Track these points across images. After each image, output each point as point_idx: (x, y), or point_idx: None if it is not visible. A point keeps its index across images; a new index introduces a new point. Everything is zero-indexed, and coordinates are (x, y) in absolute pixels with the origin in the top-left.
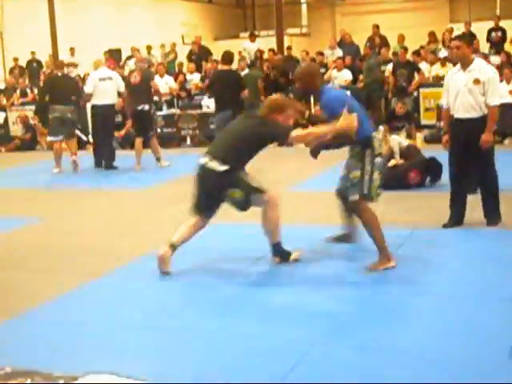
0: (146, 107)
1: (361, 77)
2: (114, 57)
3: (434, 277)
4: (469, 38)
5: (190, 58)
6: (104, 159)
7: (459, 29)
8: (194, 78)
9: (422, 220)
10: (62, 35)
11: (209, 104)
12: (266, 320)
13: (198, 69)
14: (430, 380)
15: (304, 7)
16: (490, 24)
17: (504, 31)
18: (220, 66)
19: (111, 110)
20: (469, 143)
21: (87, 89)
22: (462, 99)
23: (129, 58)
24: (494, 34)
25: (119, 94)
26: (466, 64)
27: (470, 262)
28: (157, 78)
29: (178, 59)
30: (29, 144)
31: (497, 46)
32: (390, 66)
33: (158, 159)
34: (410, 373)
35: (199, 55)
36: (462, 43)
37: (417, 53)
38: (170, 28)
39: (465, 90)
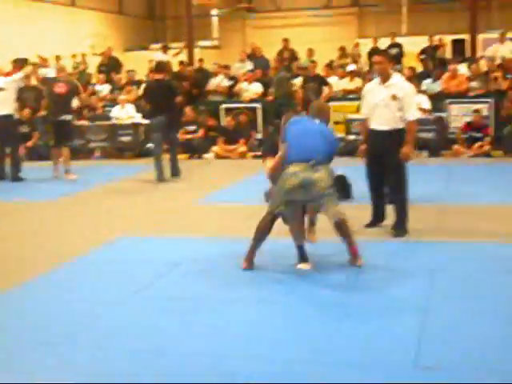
0: (69, 117)
1: (270, 90)
2: (20, 66)
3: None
4: (390, 54)
5: (99, 69)
6: (12, 170)
7: (367, 44)
8: (104, 89)
9: None
10: None
11: (118, 115)
12: None
13: (108, 80)
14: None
15: (215, 20)
16: (400, 40)
17: (400, 47)
18: (151, 76)
19: (9, 121)
20: (383, 154)
21: None
22: (379, 112)
23: (34, 65)
24: (392, 50)
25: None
26: (385, 79)
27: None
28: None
29: (88, 70)
30: None
31: (397, 61)
32: (299, 80)
33: (67, 171)
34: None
35: (109, 66)
36: (384, 59)
37: (329, 66)
38: (79, 38)
39: (382, 104)
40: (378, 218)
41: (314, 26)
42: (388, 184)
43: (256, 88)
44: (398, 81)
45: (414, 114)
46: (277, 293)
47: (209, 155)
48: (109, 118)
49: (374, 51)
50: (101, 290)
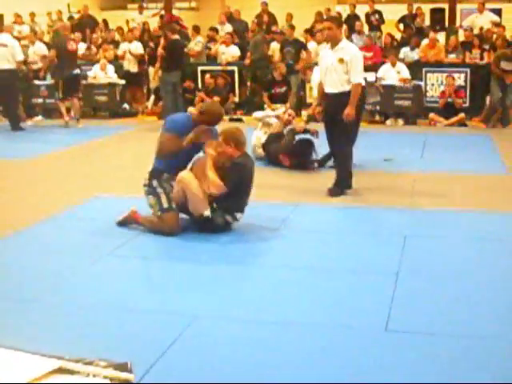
0: (79, 71)
1: (248, 54)
2: None
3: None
4: (339, 19)
5: (75, 28)
6: (11, 121)
7: (345, 10)
8: (80, 48)
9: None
10: None
11: (96, 74)
12: None
13: (84, 38)
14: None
15: None
16: (377, 7)
17: (381, 14)
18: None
19: (11, 75)
20: (333, 115)
21: None
22: (329, 76)
23: (14, 23)
24: (372, 17)
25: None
26: (334, 44)
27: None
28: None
29: None
30: None
31: (375, 28)
32: (276, 44)
33: (78, 120)
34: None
35: (85, 25)
36: (333, 24)
37: (309, 31)
38: None
39: (331, 68)
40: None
41: None
42: (334, 144)
43: (233, 51)
44: (345, 45)
45: (358, 77)
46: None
47: None
48: (85, 78)
49: (351, 17)
50: (74, 249)
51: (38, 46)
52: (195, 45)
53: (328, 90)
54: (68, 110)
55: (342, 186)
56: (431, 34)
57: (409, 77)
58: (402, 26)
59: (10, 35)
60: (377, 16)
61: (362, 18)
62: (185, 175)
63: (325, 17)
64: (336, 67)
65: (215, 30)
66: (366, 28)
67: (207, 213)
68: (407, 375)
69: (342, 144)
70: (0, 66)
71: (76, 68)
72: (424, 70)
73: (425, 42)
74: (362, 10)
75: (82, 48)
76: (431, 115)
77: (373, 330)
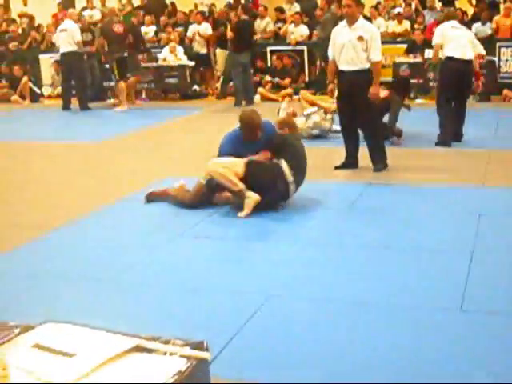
0: (126, 54)
1: (315, 32)
2: (66, 8)
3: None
4: None
5: (145, 11)
6: (79, 100)
7: None
8: (150, 31)
9: None
10: None
11: (166, 56)
12: None
13: (154, 22)
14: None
15: None
16: None
17: None
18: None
19: (74, 57)
20: (351, 93)
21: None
22: (346, 53)
23: (84, 8)
24: None
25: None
26: (352, 22)
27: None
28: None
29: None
30: None
31: (448, 3)
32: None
33: (120, 103)
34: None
35: (155, 8)
36: (353, 2)
37: (375, 7)
38: None
39: (349, 45)
40: (350, 159)
41: None
42: (361, 123)
43: (302, 30)
44: (364, 23)
45: (378, 55)
46: (310, 232)
47: (255, 97)
48: (156, 60)
49: None
50: (147, 229)
51: None
52: (267, 25)
53: (344, 67)
54: (136, 94)
55: (382, 160)
56: (506, 4)
57: (483, 52)
58: (474, 1)
59: (72, 21)
60: None
61: None
62: (209, 165)
63: None
64: (355, 45)
65: (281, 9)
66: (438, 4)
67: (241, 185)
68: (483, 355)
69: (371, 121)
70: (63, 50)
71: (124, 50)
72: (498, 44)
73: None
74: None
75: (151, 30)
76: (505, 91)
77: (448, 309)
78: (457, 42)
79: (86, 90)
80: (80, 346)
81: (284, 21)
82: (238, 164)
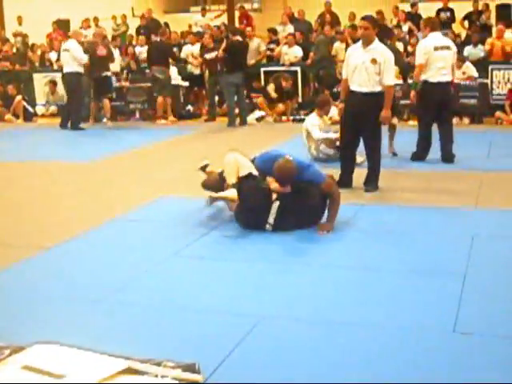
0: (108, 73)
1: (311, 54)
2: (62, 27)
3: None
4: (375, 20)
5: (139, 31)
6: (71, 120)
7: (407, 8)
8: (144, 51)
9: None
10: (8, 3)
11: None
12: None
13: (148, 42)
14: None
15: None
16: (439, 4)
17: (452, 12)
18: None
19: (72, 77)
20: (359, 114)
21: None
22: (358, 74)
23: (81, 27)
24: (442, 14)
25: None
26: (367, 43)
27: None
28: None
29: (129, 32)
30: None
31: (445, 26)
32: (338, 44)
33: (108, 119)
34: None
35: (149, 28)
36: (370, 24)
37: None
38: (119, 0)
39: (362, 67)
40: (345, 179)
41: None
42: (365, 144)
43: (296, 52)
44: (378, 46)
45: (391, 79)
46: (313, 256)
47: (249, 118)
48: (149, 80)
49: (413, 15)
50: (140, 249)
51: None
52: (258, 46)
53: (355, 88)
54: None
55: (376, 182)
56: (498, 26)
57: (475, 75)
58: (466, 24)
59: (76, 41)
60: (448, 14)
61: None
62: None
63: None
64: (368, 67)
65: (274, 31)
66: None
67: (232, 181)
68: (476, 377)
69: (373, 143)
70: (64, 70)
71: (105, 71)
72: (490, 67)
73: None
74: (426, 8)
75: (145, 51)
76: (498, 113)
77: (440, 331)
78: (439, 64)
79: (80, 110)
80: (71, 367)
81: (277, 42)
82: (244, 168)
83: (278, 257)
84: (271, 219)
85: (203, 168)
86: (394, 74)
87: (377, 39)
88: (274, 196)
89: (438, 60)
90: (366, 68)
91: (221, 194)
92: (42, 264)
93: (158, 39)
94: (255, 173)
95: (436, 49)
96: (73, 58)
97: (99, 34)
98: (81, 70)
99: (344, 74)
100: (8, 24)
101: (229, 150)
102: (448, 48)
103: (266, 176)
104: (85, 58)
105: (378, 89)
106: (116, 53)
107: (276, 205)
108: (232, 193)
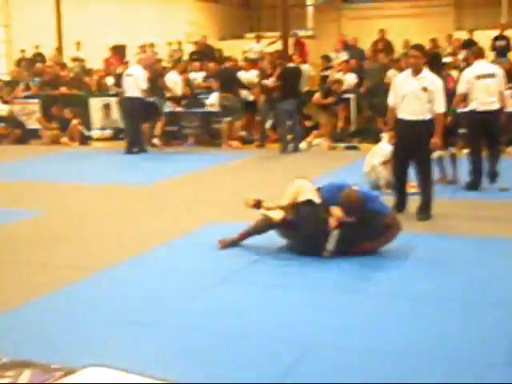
0: (151, 99)
1: (364, 81)
2: (118, 53)
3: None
4: (424, 49)
5: (192, 57)
6: (134, 145)
7: (463, 36)
8: (198, 77)
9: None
10: (67, 29)
11: (213, 102)
12: None
13: (202, 68)
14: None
15: (310, 9)
16: (495, 32)
17: (508, 40)
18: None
19: (134, 102)
20: (410, 143)
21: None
22: (409, 102)
23: (138, 54)
24: (498, 42)
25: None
26: (417, 72)
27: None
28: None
29: (183, 58)
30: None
31: (501, 54)
32: (392, 72)
33: (155, 137)
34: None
35: (204, 54)
36: (419, 53)
37: None
38: (174, 26)
39: (412, 95)
40: (400, 206)
41: (410, 17)
42: (416, 172)
43: (350, 78)
44: (428, 74)
45: (441, 107)
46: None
47: (301, 145)
48: (203, 105)
49: (469, 43)
50: (187, 275)
51: None
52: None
53: (405, 116)
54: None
55: (429, 211)
56: None
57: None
58: None
59: (141, 67)
60: (504, 42)
61: (483, 44)
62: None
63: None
64: (418, 95)
65: (327, 58)
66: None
67: (283, 203)
68: None
69: (425, 171)
70: (126, 94)
71: (149, 97)
72: None
73: None
74: (479, 36)
75: (199, 77)
76: None
77: (494, 364)
78: (482, 93)
79: (139, 135)
80: None
81: (330, 69)
82: (306, 194)
83: (327, 285)
84: (330, 246)
85: (257, 205)
86: (444, 102)
87: (425, 68)
88: (334, 224)
89: (480, 89)
90: (416, 96)
91: (265, 211)
92: (93, 287)
93: (226, 66)
94: (317, 200)
95: (478, 77)
96: (135, 83)
97: (143, 60)
98: (142, 95)
99: (391, 103)
100: (66, 49)
101: (296, 177)
102: (492, 76)
103: (330, 205)
104: (144, 85)
105: (428, 116)
106: (176, 77)
107: (335, 233)
108: (276, 214)
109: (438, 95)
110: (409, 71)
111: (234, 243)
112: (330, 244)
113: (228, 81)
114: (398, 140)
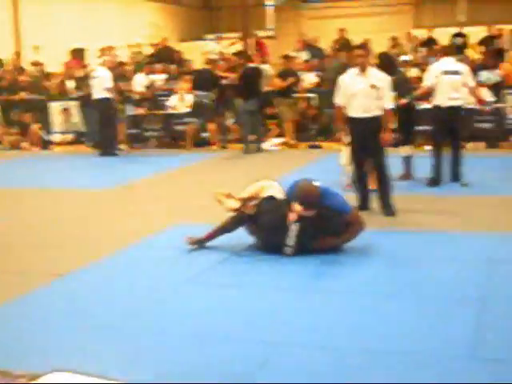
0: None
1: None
2: (78, 56)
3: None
4: (368, 47)
5: (153, 59)
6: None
7: (422, 34)
8: (160, 79)
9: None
10: (26, 33)
11: (175, 105)
12: None
13: (163, 70)
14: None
15: (270, 9)
16: (453, 30)
17: (466, 37)
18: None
19: (101, 103)
20: (364, 140)
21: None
22: (359, 101)
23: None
24: (457, 39)
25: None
26: (364, 70)
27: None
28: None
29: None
30: None
31: (459, 51)
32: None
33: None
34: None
35: (164, 56)
36: (365, 52)
37: None
38: (134, 28)
39: (362, 93)
40: (364, 203)
41: (370, 16)
42: (373, 168)
43: (311, 78)
44: (375, 72)
45: (391, 103)
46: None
47: (264, 144)
48: (164, 108)
49: (429, 41)
50: (152, 276)
51: None
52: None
53: (357, 114)
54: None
55: (392, 204)
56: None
57: (488, 99)
58: (481, 49)
59: (105, 68)
60: (462, 39)
61: (442, 42)
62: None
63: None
64: (368, 92)
65: (287, 57)
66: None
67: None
68: None
69: (382, 165)
70: (94, 96)
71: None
72: (505, 91)
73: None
74: (438, 33)
75: (161, 79)
76: None
77: (459, 357)
78: (448, 89)
79: (111, 136)
80: None
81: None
82: (270, 191)
83: (293, 283)
84: (290, 241)
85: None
86: (392, 98)
87: (370, 66)
88: (293, 218)
89: (446, 84)
90: (366, 94)
91: (223, 199)
92: (55, 292)
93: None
94: (279, 196)
95: (445, 73)
96: (102, 84)
97: (106, 63)
98: (109, 95)
99: (339, 102)
100: (24, 53)
101: (259, 177)
102: (457, 73)
103: (291, 202)
104: (110, 84)
105: (378, 113)
106: (143, 79)
107: (295, 227)
108: (233, 203)
109: (386, 91)
110: (355, 70)
111: (202, 242)
112: (291, 239)
113: (205, 81)
114: (354, 138)
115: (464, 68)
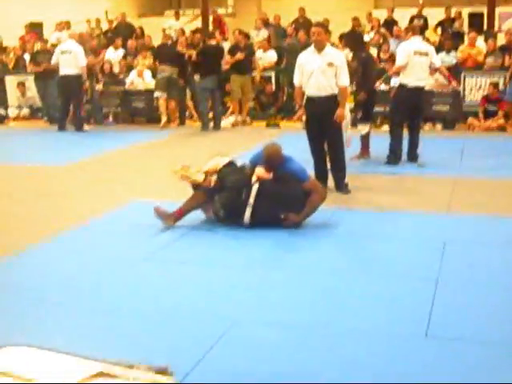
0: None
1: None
2: (34, 30)
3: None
4: (326, 26)
5: (113, 35)
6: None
7: (382, 15)
8: (119, 55)
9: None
10: None
11: (133, 80)
12: None
13: (122, 45)
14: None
15: None
16: (414, 11)
17: (426, 19)
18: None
19: (71, 80)
20: (321, 119)
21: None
22: (316, 79)
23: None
24: (416, 21)
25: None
26: (320, 48)
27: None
28: None
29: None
30: None
31: (420, 33)
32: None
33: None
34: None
35: (122, 32)
36: (321, 30)
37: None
38: (93, 3)
39: (319, 71)
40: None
41: None
42: (328, 147)
43: (271, 56)
44: (332, 50)
45: (346, 80)
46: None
47: (224, 122)
48: (123, 83)
49: (388, 22)
50: (111, 254)
51: None
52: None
53: (314, 93)
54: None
55: (345, 183)
56: (471, 34)
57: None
58: (439, 31)
59: (75, 42)
60: (421, 21)
61: (401, 23)
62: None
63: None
64: (325, 71)
65: (247, 35)
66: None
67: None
68: (448, 381)
69: (338, 146)
70: (65, 72)
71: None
72: (463, 74)
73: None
74: (398, 14)
75: (119, 55)
76: (470, 120)
77: (413, 336)
78: (416, 69)
79: (81, 113)
80: (41, 370)
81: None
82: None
83: (250, 261)
84: (252, 200)
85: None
86: (348, 75)
87: (328, 44)
88: (254, 178)
89: (416, 64)
90: (322, 72)
91: (187, 174)
92: (10, 268)
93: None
94: (238, 163)
95: (415, 53)
96: (75, 59)
97: (80, 36)
98: (80, 72)
99: (297, 81)
100: None
101: (216, 154)
102: (426, 54)
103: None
104: (84, 62)
105: (336, 91)
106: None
107: (255, 187)
108: (198, 176)
109: (342, 69)
110: (312, 48)
111: (176, 219)
112: (252, 198)
113: (168, 56)
114: (309, 117)
115: (431, 49)
